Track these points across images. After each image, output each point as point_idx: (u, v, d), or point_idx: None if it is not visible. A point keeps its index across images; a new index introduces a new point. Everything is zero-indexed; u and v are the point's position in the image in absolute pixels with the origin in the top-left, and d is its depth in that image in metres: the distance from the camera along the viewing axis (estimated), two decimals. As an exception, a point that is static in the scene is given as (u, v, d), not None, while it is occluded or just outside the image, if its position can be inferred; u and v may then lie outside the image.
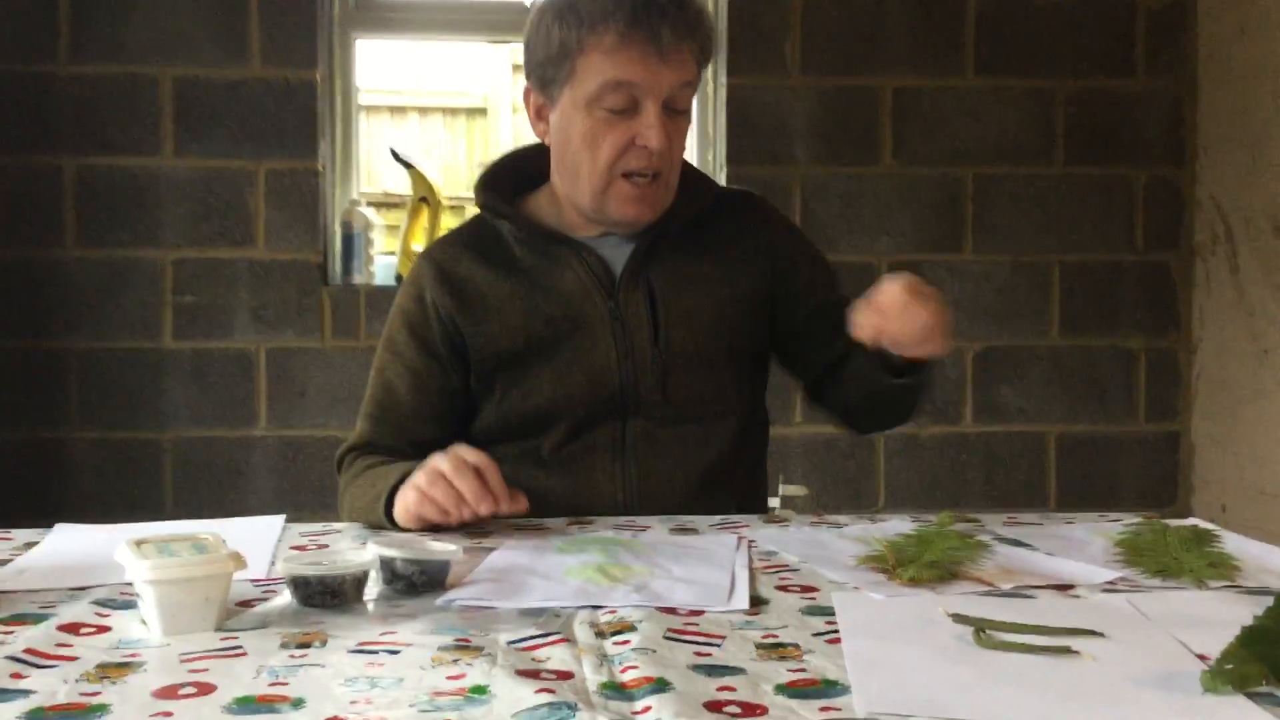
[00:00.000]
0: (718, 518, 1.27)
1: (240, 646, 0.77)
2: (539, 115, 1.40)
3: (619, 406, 1.36)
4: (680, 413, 1.38)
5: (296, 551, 1.08)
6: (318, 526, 1.23)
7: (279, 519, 1.24)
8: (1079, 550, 1.10)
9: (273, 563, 1.03)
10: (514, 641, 0.78)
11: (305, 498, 3.20)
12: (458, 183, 3.78)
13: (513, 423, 1.38)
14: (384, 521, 1.21)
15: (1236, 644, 0.71)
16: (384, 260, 3.32)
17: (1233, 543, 1.11)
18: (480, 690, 0.67)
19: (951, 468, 3.26)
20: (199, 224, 3.15)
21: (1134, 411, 3.31)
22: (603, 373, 1.36)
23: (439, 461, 1.18)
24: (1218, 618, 0.84)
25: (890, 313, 1.21)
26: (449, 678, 0.70)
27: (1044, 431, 3.26)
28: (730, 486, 1.40)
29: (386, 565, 0.93)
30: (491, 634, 0.80)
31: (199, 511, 3.15)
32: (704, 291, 1.41)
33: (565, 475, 1.35)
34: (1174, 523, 1.18)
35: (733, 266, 1.44)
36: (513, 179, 1.47)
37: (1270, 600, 0.87)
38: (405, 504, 1.18)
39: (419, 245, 3.30)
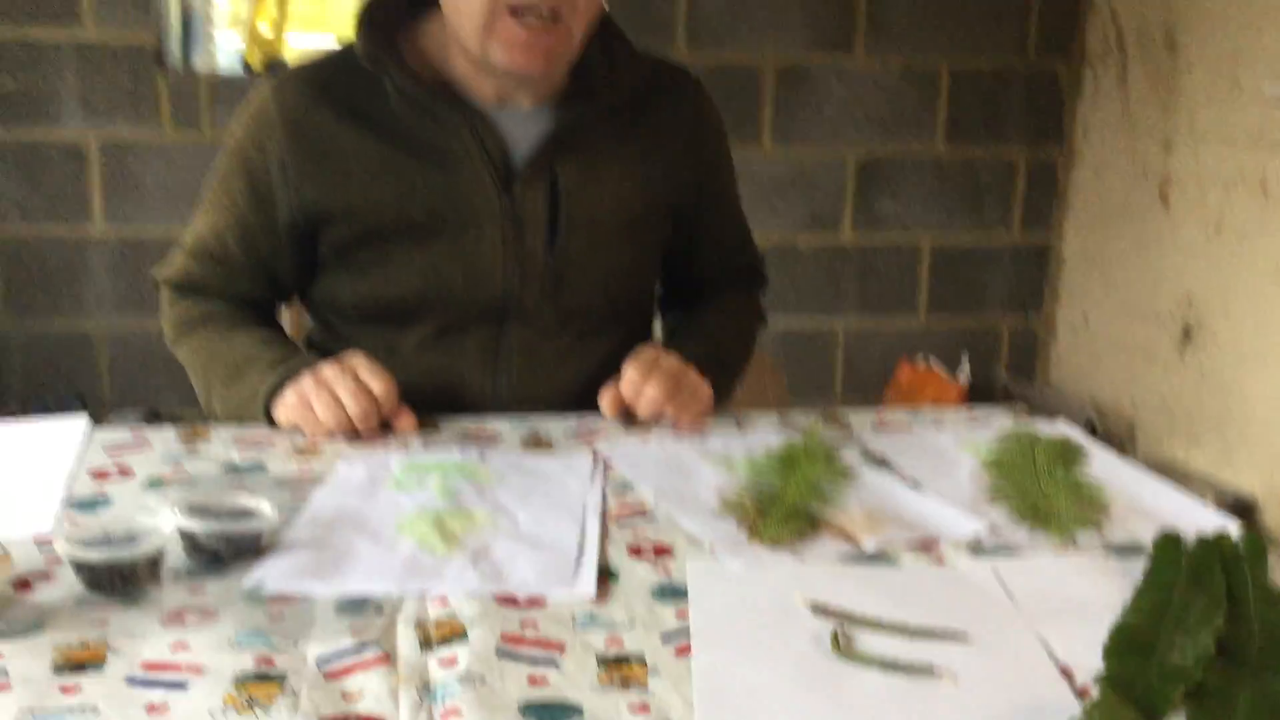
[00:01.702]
0: (574, 420, 1.18)
1: (4, 673, 0.67)
2: None
3: (497, 311, 1.22)
4: (565, 324, 1.25)
5: (83, 519, 0.90)
6: (124, 436, 1.10)
7: (80, 425, 1.11)
8: (947, 474, 1.05)
9: (60, 515, 0.91)
10: (324, 659, 0.69)
11: (149, 300, 3.02)
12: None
13: (370, 309, 1.24)
14: (257, 416, 1.13)
15: (1105, 690, 0.66)
16: (228, 44, 3.02)
17: (1102, 464, 1.08)
18: (274, 762, 0.59)
19: (827, 277, 3.22)
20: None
21: (1009, 223, 3.29)
22: (485, 275, 1.20)
23: (331, 374, 1.09)
24: (1084, 602, 0.80)
25: (630, 396, 1.15)
26: (241, 736, 0.61)
27: (919, 244, 3.23)
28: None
29: (187, 538, 0.82)
30: (300, 645, 0.71)
31: (34, 313, 2.95)
32: (615, 192, 1.23)
33: (429, 380, 1.22)
34: (1043, 434, 1.14)
35: (653, 165, 1.26)
36: (391, 12, 1.21)
37: (1137, 562, 0.84)
38: (285, 409, 1.11)
39: (264, 25, 3.00)
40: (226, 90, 2.89)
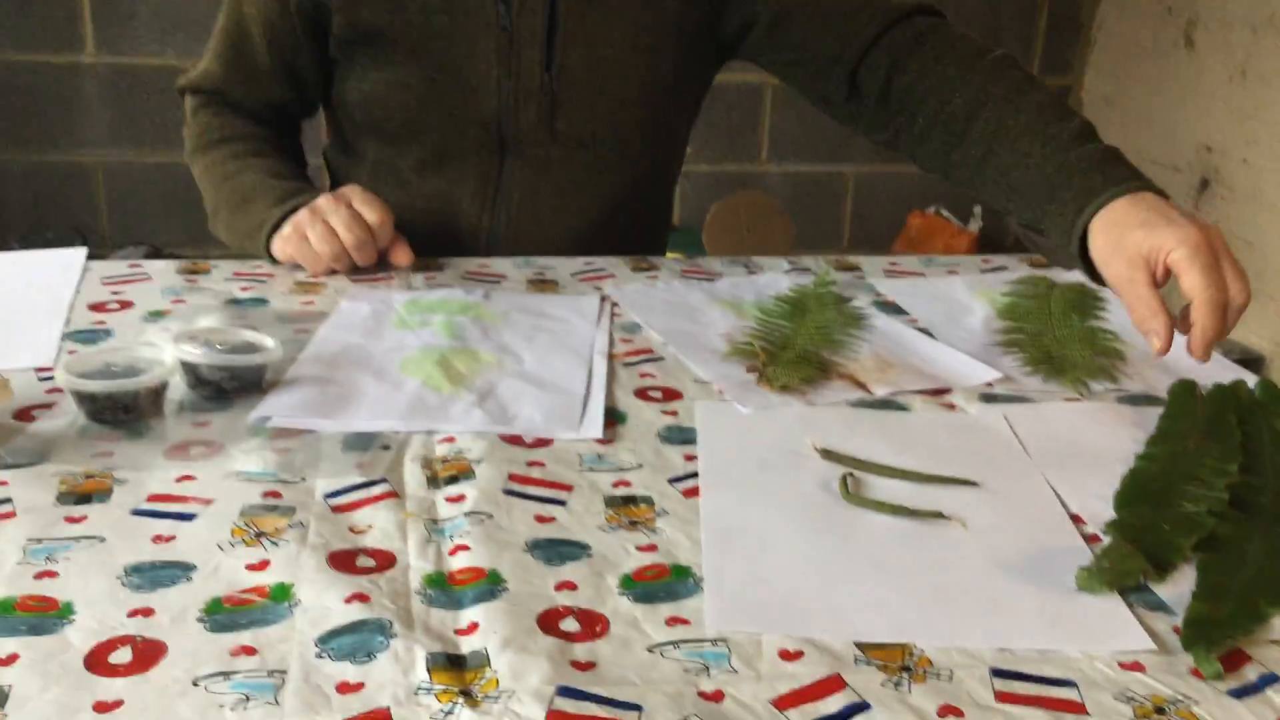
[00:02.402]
0: (581, 262, 1.16)
1: (8, 502, 0.67)
2: None
3: (495, 136, 1.17)
4: (568, 157, 1.19)
5: (84, 349, 0.90)
6: (122, 269, 1.08)
7: (78, 256, 1.09)
8: (959, 321, 1.03)
9: (60, 346, 0.90)
10: (332, 495, 0.69)
11: (143, 133, 2.95)
12: None
13: (375, 115, 1.20)
14: (260, 251, 1.11)
15: (1115, 536, 0.66)
16: None
17: (1117, 310, 1.05)
18: (283, 593, 0.59)
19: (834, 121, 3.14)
20: None
21: (1029, 64, 3.19)
22: (479, 92, 1.15)
23: (326, 205, 1.07)
24: (1095, 445, 0.79)
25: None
26: (248, 567, 0.61)
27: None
28: (621, 236, 1.25)
29: (190, 370, 0.81)
30: (309, 479, 0.70)
31: (25, 144, 2.89)
32: (621, 14, 1.15)
33: (427, 207, 1.19)
34: (1059, 280, 1.12)
35: None
36: None
37: (1152, 411, 0.83)
38: (282, 242, 1.09)
39: None
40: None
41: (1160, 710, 0.53)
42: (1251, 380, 0.89)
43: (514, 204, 1.21)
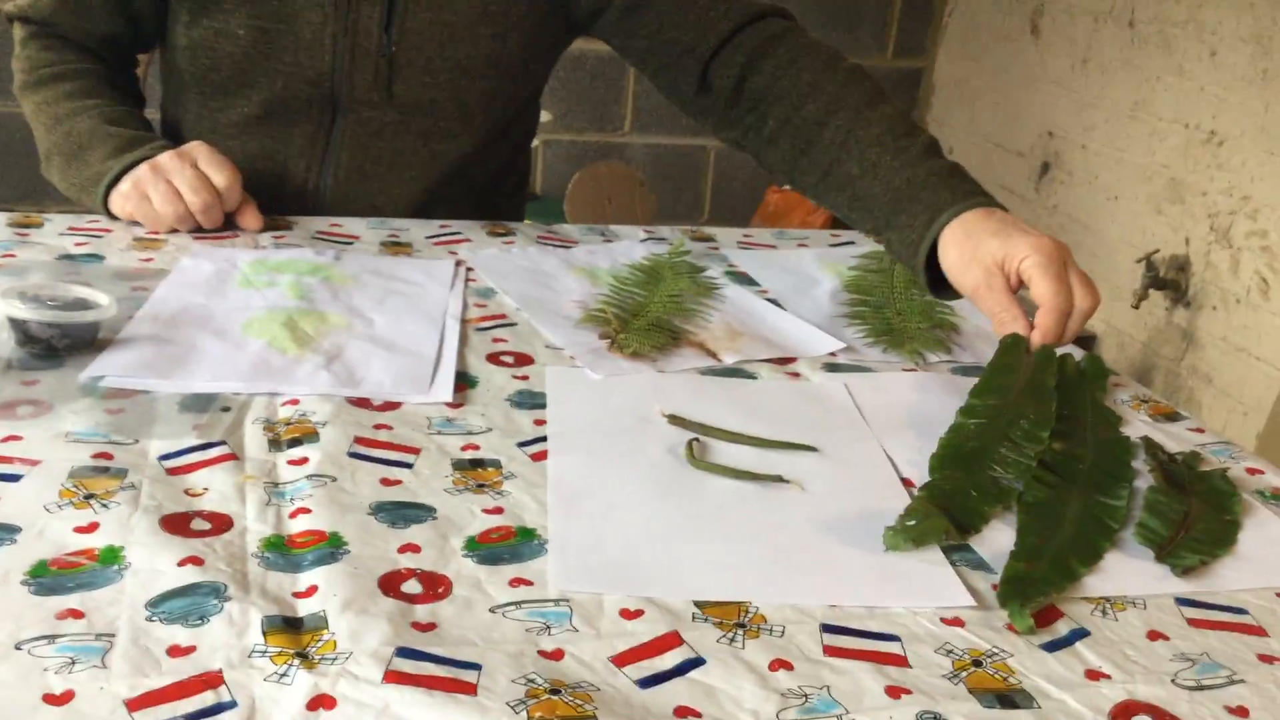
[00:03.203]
0: (436, 225, 1.14)
1: None
2: None
3: (327, 95, 1.14)
4: (404, 121, 1.15)
5: None
6: (-53, 221, 1.03)
7: (-104, 207, 1.02)
8: (808, 292, 1.06)
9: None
10: (166, 456, 0.67)
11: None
12: None
13: (201, 65, 1.14)
14: (96, 205, 1.06)
15: (921, 498, 0.69)
16: None
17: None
18: (113, 555, 0.57)
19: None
20: None
21: (884, 45, 3.27)
22: (311, 48, 1.11)
23: (169, 164, 1.03)
24: (927, 412, 0.83)
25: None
26: (76, 529, 0.59)
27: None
28: (460, 206, 1.23)
29: (18, 326, 0.77)
30: (141, 440, 0.68)
31: None
32: None
33: (251, 166, 1.13)
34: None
35: None
36: None
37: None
38: (121, 199, 1.05)
39: None
40: None
41: (977, 663, 0.56)
42: (1077, 354, 0.94)
43: (342, 166, 1.17)
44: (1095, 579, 0.65)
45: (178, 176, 1.02)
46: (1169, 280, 2.48)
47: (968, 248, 0.89)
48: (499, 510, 0.65)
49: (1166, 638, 0.60)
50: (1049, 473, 0.74)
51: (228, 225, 1.07)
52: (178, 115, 1.22)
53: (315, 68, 1.12)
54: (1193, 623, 0.62)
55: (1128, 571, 0.66)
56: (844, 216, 1.06)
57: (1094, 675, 0.56)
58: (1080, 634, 0.59)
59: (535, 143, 2.84)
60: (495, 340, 0.89)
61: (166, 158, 1.04)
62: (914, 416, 0.83)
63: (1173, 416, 0.88)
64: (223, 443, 0.69)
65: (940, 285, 0.94)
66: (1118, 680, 0.56)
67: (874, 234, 1.02)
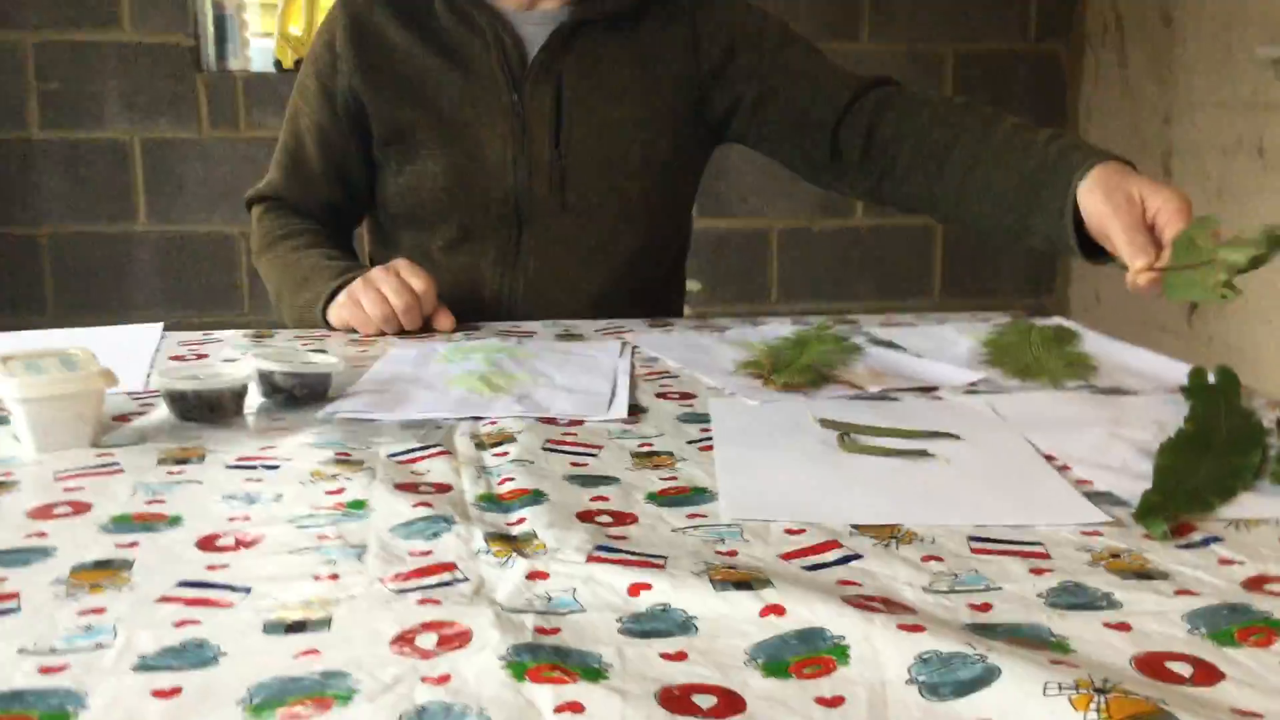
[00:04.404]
0: (604, 322, 1.28)
1: (117, 464, 0.77)
2: None
3: (513, 210, 1.32)
4: (579, 226, 1.33)
5: (174, 363, 1.07)
6: (197, 335, 1.21)
7: (157, 327, 1.22)
8: (946, 351, 1.14)
9: (149, 375, 1.02)
10: (394, 454, 0.79)
11: (192, 296, 3.14)
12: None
13: (408, 205, 1.36)
14: (317, 321, 1.24)
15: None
16: (261, 44, 3.16)
17: (1092, 342, 1.16)
18: (358, 505, 0.69)
19: (842, 260, 3.32)
20: (60, 5, 2.94)
21: (1036, 244, 3.38)
22: (496, 171, 1.31)
23: (377, 275, 1.21)
24: (1068, 417, 0.89)
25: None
26: (328, 492, 0.71)
27: (930, 224, 3.32)
28: (632, 300, 1.37)
29: (265, 378, 0.92)
30: (372, 447, 0.81)
31: (81, 310, 3.07)
32: (619, 92, 1.32)
33: (453, 282, 1.32)
34: (1039, 322, 1.23)
35: (657, 66, 1.34)
36: None
37: (1129, 401, 0.93)
38: (338, 309, 1.22)
39: (296, 29, 3.14)
40: (260, 88, 3.02)
41: (1115, 555, 0.62)
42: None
43: (531, 271, 1.34)
44: (1229, 509, 0.69)
45: (384, 284, 1.20)
46: (1337, 393, 2.43)
47: (1103, 191, 0.98)
48: (674, 478, 0.75)
49: (1301, 541, 0.64)
50: (1184, 442, 0.79)
51: (425, 330, 1.23)
52: (387, 255, 1.41)
53: (501, 188, 1.31)
54: (1328, 534, 0.66)
55: (1262, 504, 0.70)
56: (990, 226, 1.17)
57: (1226, 562, 0.61)
58: (1213, 539, 0.64)
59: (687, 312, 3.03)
60: (661, 385, 1.00)
61: (375, 271, 1.21)
62: (1056, 419, 0.89)
63: (1309, 412, 0.91)
64: (439, 444, 0.81)
65: (1092, 252, 1.01)
66: (1250, 564, 0.61)
67: (1020, 228, 1.12)
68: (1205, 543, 0.64)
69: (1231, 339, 2.69)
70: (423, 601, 0.56)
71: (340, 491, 0.71)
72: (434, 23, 1.33)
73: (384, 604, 0.56)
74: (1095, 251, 1.03)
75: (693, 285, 2.99)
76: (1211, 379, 0.95)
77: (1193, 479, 0.73)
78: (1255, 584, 0.58)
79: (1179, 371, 1.03)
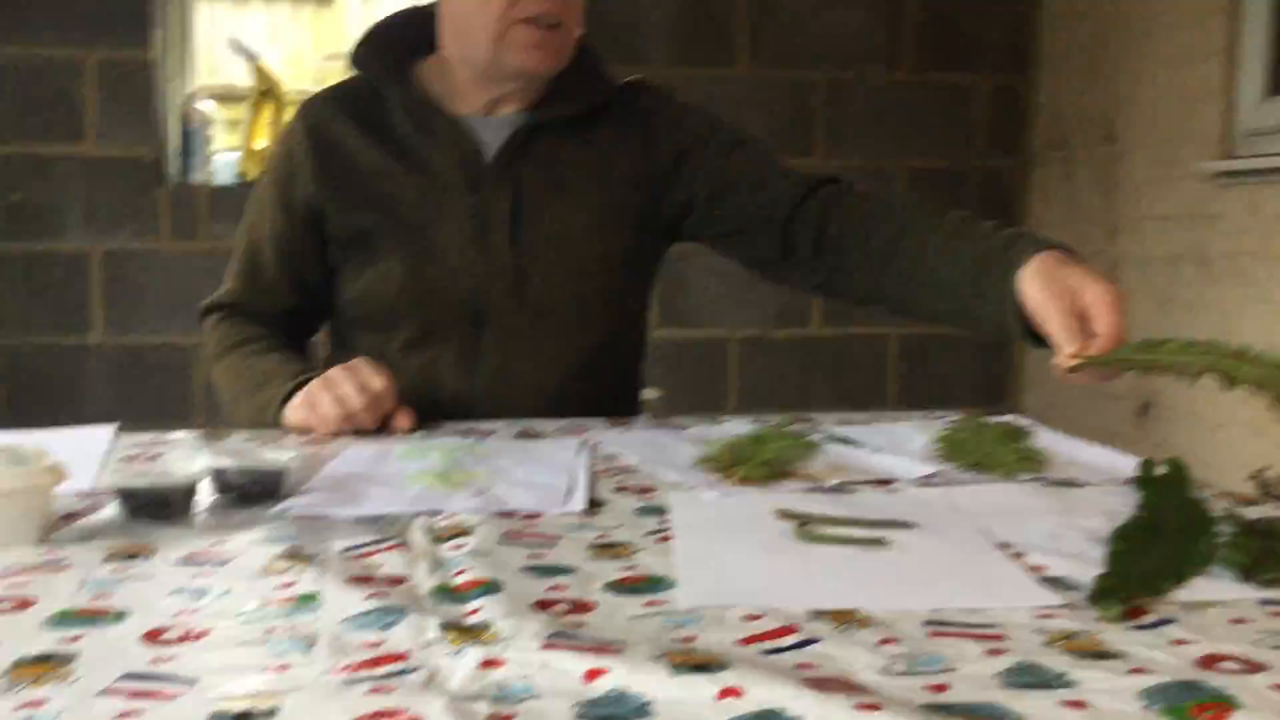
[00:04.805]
0: (564, 421, 1.28)
1: (63, 559, 0.76)
2: None
3: (471, 311, 1.33)
4: (537, 324, 1.34)
5: (126, 463, 1.06)
6: (149, 436, 1.20)
7: (110, 429, 1.20)
8: (902, 446, 1.15)
9: (100, 474, 1.00)
10: (347, 549, 0.78)
11: (147, 409, 3.10)
12: (303, 75, 3.64)
13: (367, 308, 1.37)
14: (273, 423, 1.23)
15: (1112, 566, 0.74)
16: (226, 158, 3.19)
17: (1045, 438, 1.18)
18: (309, 598, 0.68)
19: (800, 369, 3.35)
20: (25, 117, 2.96)
21: (980, 331, 3.45)
22: (455, 273, 1.32)
23: (335, 374, 1.21)
24: (1020, 507, 0.90)
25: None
26: (278, 586, 0.70)
27: (886, 333, 3.37)
28: (589, 399, 1.38)
29: (218, 476, 0.91)
30: (325, 542, 0.80)
31: (34, 422, 3.02)
32: (576, 193, 1.35)
33: (412, 382, 1.30)
34: (993, 420, 1.25)
35: (612, 167, 1.37)
36: (396, 45, 1.40)
37: (1080, 492, 0.94)
38: (294, 409, 1.22)
39: (262, 142, 3.18)
40: (223, 201, 3.04)
41: (1069, 637, 0.62)
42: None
43: (490, 370, 1.34)
44: (1180, 592, 0.70)
45: (343, 384, 1.19)
46: (1288, 495, 2.46)
47: (1045, 280, 1.02)
48: (632, 568, 0.74)
49: (1251, 621, 0.65)
50: (1136, 529, 0.80)
51: (384, 430, 1.22)
52: (345, 359, 1.39)
53: (461, 289, 1.32)
54: (1276, 614, 0.66)
55: (1212, 588, 0.71)
56: (937, 315, 1.20)
57: (1180, 642, 0.61)
58: (1166, 621, 0.65)
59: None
60: (620, 480, 1.00)
61: (334, 371, 1.21)
62: (1009, 510, 0.89)
63: (1253, 502, 0.93)
64: (394, 538, 0.80)
65: (1038, 338, 1.05)
66: (1203, 644, 0.61)
67: (967, 316, 1.15)
68: (1158, 624, 0.64)
69: (1180, 444, 2.73)
70: (373, 691, 0.55)
71: (291, 585, 0.70)
72: (392, 129, 1.36)
73: (333, 694, 0.55)
74: (1040, 337, 1.06)
75: (652, 393, 3.00)
76: (1161, 470, 0.96)
77: (1145, 563, 0.74)
78: (1208, 662, 0.58)
79: (1127, 465, 1.04)
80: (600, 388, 1.40)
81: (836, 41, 3.25)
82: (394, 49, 1.38)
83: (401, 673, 0.57)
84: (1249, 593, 0.70)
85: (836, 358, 3.36)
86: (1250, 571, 0.73)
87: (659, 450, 1.12)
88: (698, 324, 3.28)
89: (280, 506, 0.89)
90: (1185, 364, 0.89)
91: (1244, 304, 2.57)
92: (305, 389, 1.21)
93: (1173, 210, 2.76)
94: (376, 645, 0.60)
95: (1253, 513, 0.88)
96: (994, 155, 3.34)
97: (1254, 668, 0.57)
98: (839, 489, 0.97)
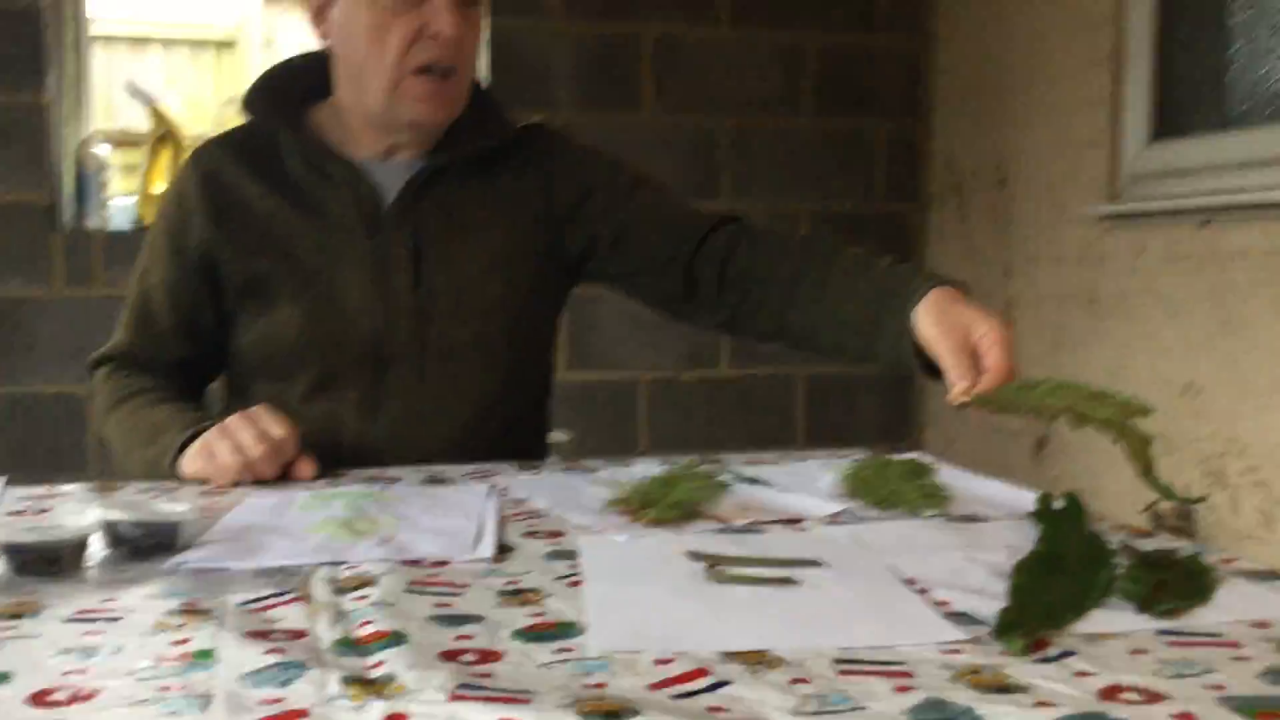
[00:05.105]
0: (471, 466, 1.26)
1: (-59, 623, 0.72)
2: (319, 15, 1.32)
3: (372, 355, 1.31)
4: (440, 366, 1.33)
5: (13, 518, 1.01)
6: (41, 489, 1.15)
7: (-4, 482, 1.15)
8: (810, 485, 1.16)
9: (-17, 531, 0.96)
10: (245, 603, 0.76)
11: (38, 460, 2.99)
12: (203, 120, 3.58)
13: (265, 355, 1.33)
14: (169, 474, 1.19)
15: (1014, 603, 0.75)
16: (123, 202, 3.11)
17: (948, 475, 1.20)
18: (205, 655, 0.65)
19: (708, 410, 3.37)
20: (-94, 161, 2.86)
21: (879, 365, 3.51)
22: (355, 317, 1.30)
23: (233, 422, 1.17)
24: (926, 543, 0.91)
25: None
26: (172, 643, 0.67)
27: (793, 373, 3.42)
28: (496, 441, 1.36)
29: (110, 529, 0.88)
30: (221, 596, 0.77)
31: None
32: (477, 234, 1.34)
33: (313, 428, 1.27)
34: (897, 457, 1.26)
35: (513, 209, 1.37)
36: (290, 89, 1.38)
37: (982, 527, 0.95)
38: (190, 459, 1.18)
39: (160, 187, 3.11)
40: (119, 246, 2.96)
41: (975, 671, 0.63)
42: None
43: (394, 415, 1.32)
44: (1081, 624, 0.71)
45: (242, 433, 1.16)
46: (1177, 527, 2.54)
47: (937, 317, 1.06)
48: (540, 614, 0.73)
49: (1149, 652, 0.66)
50: (1037, 563, 0.81)
51: (285, 478, 1.19)
52: (243, 406, 1.36)
53: (360, 333, 1.30)
54: (1173, 644, 0.68)
55: (1111, 619, 0.73)
56: (837, 349, 1.23)
57: (1082, 674, 0.63)
58: (1068, 653, 0.66)
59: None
60: (529, 525, 0.99)
61: (231, 419, 1.18)
62: (916, 546, 0.91)
63: (1149, 535, 0.95)
64: (294, 590, 0.78)
65: (931, 371, 1.08)
66: (1104, 675, 0.62)
67: (866, 352, 1.19)
68: (1061, 656, 0.66)
69: (1077, 478, 2.81)
70: (272, 749, 0.53)
71: (186, 641, 0.68)
72: (288, 174, 1.34)
73: (231, 754, 0.53)
74: (936, 370, 1.09)
75: (561, 436, 2.99)
76: (1058, 504, 0.98)
77: (1047, 597, 0.75)
78: (1109, 693, 0.60)
79: (1027, 499, 1.06)
80: (507, 430, 1.38)
81: (739, 88, 3.31)
82: (289, 94, 1.37)
83: (302, 731, 0.55)
84: (1146, 624, 0.72)
85: (744, 398, 3.39)
86: (1147, 603, 0.75)
87: (569, 493, 1.11)
88: (607, 366, 3.28)
89: (175, 560, 0.86)
90: (1045, 407, 0.93)
91: (1131, 340, 2.66)
92: (202, 438, 1.18)
93: (1063, 252, 2.86)
94: (275, 702, 0.58)
95: (1147, 545, 0.91)
96: (892, 199, 3.43)
97: (1153, 698, 0.59)
98: (748, 529, 0.97)
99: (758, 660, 0.64)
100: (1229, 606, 0.75)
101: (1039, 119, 2.94)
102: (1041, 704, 0.58)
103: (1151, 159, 2.64)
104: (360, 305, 1.30)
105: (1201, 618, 0.73)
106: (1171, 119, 2.64)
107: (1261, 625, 0.71)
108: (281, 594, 0.78)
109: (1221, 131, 2.50)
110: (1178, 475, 2.53)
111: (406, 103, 1.29)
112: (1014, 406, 0.97)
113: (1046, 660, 0.65)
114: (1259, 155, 2.35)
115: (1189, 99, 2.62)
